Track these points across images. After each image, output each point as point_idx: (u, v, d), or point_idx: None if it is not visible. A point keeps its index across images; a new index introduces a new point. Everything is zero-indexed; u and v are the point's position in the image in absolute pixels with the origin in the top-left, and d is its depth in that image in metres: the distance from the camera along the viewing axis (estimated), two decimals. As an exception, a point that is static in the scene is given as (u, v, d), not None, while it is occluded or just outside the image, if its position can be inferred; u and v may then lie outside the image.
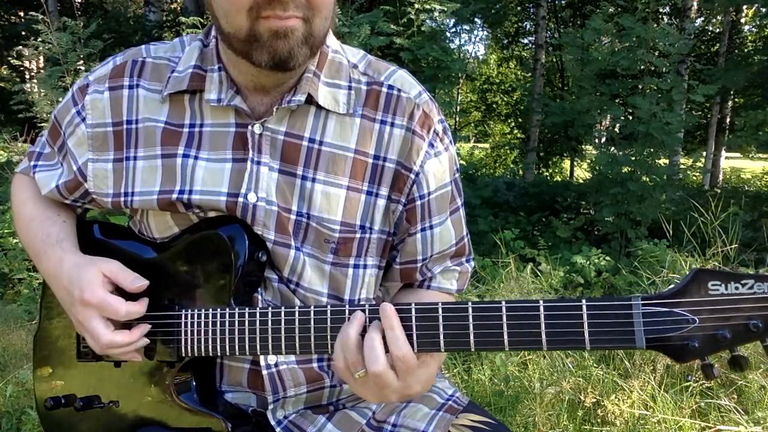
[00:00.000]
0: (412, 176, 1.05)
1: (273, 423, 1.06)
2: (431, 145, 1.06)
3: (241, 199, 1.00)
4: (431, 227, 1.09)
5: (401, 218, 1.07)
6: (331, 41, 1.07)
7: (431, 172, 1.06)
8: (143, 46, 1.10)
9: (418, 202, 1.06)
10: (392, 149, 1.04)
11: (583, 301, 0.79)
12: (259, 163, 1.01)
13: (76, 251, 1.08)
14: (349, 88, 1.04)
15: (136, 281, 1.00)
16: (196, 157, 1.02)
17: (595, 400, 2.63)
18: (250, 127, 1.01)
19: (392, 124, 1.04)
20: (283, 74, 0.96)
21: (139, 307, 0.99)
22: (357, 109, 1.03)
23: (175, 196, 1.01)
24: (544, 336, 0.80)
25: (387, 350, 0.85)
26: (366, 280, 1.08)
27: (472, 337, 0.83)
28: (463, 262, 1.17)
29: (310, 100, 1.01)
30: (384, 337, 0.85)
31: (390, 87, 1.06)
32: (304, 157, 1.01)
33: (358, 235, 1.04)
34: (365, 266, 1.07)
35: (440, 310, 0.85)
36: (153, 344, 1.03)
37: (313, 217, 1.02)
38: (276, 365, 1.05)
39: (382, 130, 1.04)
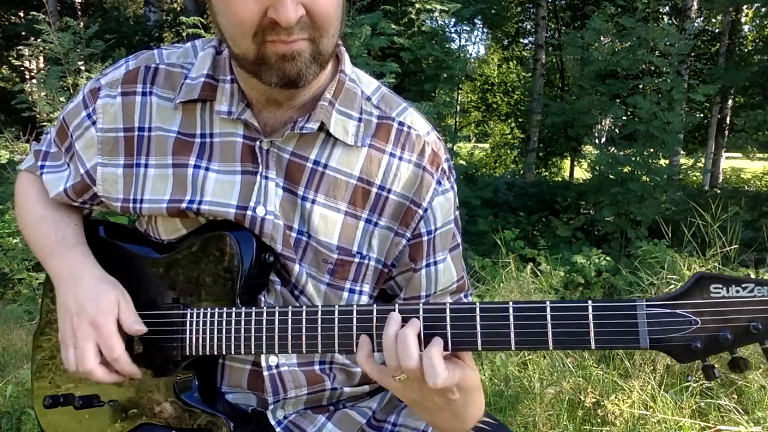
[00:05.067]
0: (421, 212, 1.05)
1: (273, 423, 1.07)
2: (439, 182, 1.07)
3: (249, 213, 1.00)
4: (435, 263, 1.09)
5: (403, 253, 1.07)
6: (348, 68, 1.07)
7: (438, 208, 1.07)
8: (156, 51, 1.10)
9: (425, 238, 1.07)
10: (398, 183, 1.05)
11: (589, 302, 0.81)
12: (266, 177, 1.01)
13: (94, 259, 1.09)
14: (360, 120, 1.04)
15: (134, 325, 1.01)
16: (207, 169, 1.02)
17: (595, 400, 2.64)
18: (258, 143, 1.01)
19: (401, 158, 1.05)
20: (296, 90, 0.96)
21: (128, 365, 1.00)
22: (365, 140, 1.04)
23: (184, 205, 1.01)
24: (550, 336, 0.81)
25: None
26: None
27: (479, 337, 0.84)
28: (461, 299, 1.18)
29: (321, 127, 1.01)
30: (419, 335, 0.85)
31: (401, 123, 1.07)
32: (306, 178, 1.02)
33: (356, 260, 1.04)
34: (360, 292, 1.08)
35: (448, 311, 0.86)
36: (157, 343, 1.04)
37: (312, 237, 1.03)
38: (277, 366, 1.05)
39: (390, 162, 1.04)
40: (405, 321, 0.87)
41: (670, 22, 9.40)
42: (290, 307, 0.94)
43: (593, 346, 0.80)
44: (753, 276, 3.52)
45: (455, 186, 1.12)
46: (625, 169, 5.64)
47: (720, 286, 0.77)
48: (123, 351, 0.99)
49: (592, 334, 0.80)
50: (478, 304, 0.85)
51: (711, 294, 0.77)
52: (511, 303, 0.83)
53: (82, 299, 1.01)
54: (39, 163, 1.17)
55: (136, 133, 1.05)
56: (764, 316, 0.75)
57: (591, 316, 0.80)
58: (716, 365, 0.79)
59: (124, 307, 1.02)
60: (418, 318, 0.86)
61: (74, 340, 1.01)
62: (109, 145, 1.06)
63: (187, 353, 1.01)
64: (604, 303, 0.80)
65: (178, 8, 12.39)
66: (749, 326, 0.75)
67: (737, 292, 0.76)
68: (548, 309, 0.82)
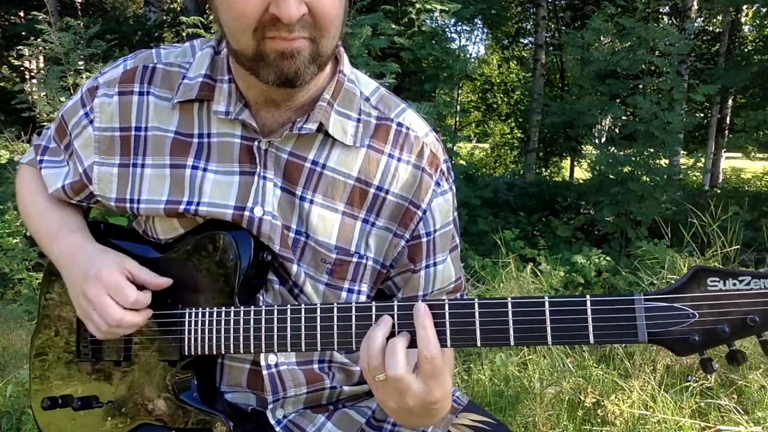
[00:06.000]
0: (420, 213, 1.06)
1: (273, 422, 1.07)
2: (438, 183, 1.07)
3: (247, 213, 1.00)
4: (435, 264, 1.10)
5: (402, 254, 1.08)
6: (347, 68, 1.07)
7: (437, 210, 1.07)
8: (153, 51, 1.10)
9: (424, 239, 1.07)
10: (396, 183, 1.05)
11: (587, 296, 0.81)
12: (264, 178, 1.01)
13: (95, 241, 1.09)
14: (358, 120, 1.04)
15: (158, 278, 1.02)
16: (204, 169, 1.02)
17: (595, 400, 2.63)
18: (256, 143, 1.01)
19: (399, 159, 1.05)
20: (293, 90, 0.96)
21: (147, 298, 1.01)
22: (364, 141, 1.04)
23: (182, 207, 1.02)
24: (549, 331, 0.82)
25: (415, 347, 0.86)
26: None
27: (478, 332, 0.85)
28: (457, 298, 1.18)
29: (320, 128, 1.01)
30: (410, 342, 0.86)
31: (399, 124, 1.07)
32: (304, 178, 1.02)
33: (354, 260, 1.05)
34: (359, 292, 1.08)
35: (447, 307, 0.86)
36: (156, 343, 1.04)
37: (310, 236, 1.03)
38: (276, 365, 1.05)
39: (389, 163, 1.05)
40: (402, 318, 0.87)
41: (670, 22, 9.40)
42: (289, 306, 0.94)
43: (592, 341, 0.80)
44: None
45: (454, 187, 1.12)
46: (625, 169, 5.64)
47: (717, 279, 0.77)
48: (137, 293, 0.99)
49: (590, 328, 0.80)
50: (476, 299, 0.85)
51: (708, 287, 0.78)
52: (509, 298, 0.84)
53: (86, 268, 1.02)
54: (38, 158, 1.18)
55: (133, 132, 1.05)
56: (761, 309, 0.75)
57: (589, 311, 0.80)
58: (714, 360, 0.80)
59: (135, 267, 1.02)
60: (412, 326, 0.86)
61: (91, 304, 1.00)
62: (106, 144, 1.06)
63: (186, 353, 1.01)
64: (603, 297, 0.81)
65: (178, 8, 12.39)
66: (746, 319, 0.76)
67: (734, 285, 0.77)
68: (547, 304, 0.82)
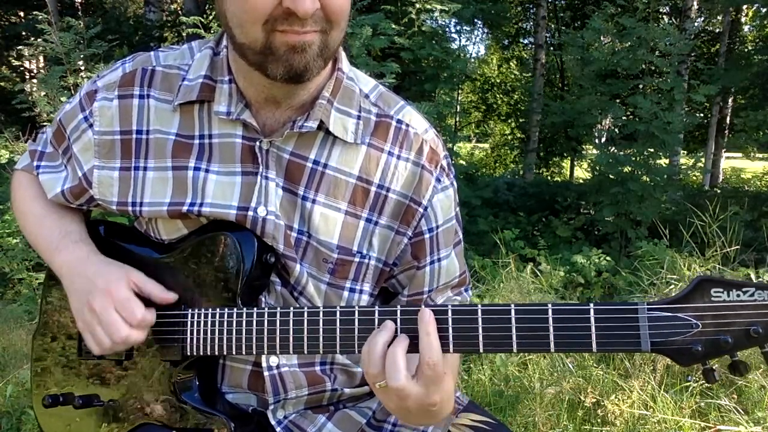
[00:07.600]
0: (421, 210, 1.06)
1: (273, 423, 1.07)
2: (438, 180, 1.08)
3: (251, 213, 1.00)
4: (439, 260, 1.10)
5: (405, 251, 1.08)
6: (346, 66, 1.07)
7: (438, 206, 1.08)
8: (152, 53, 1.10)
9: (427, 236, 1.08)
10: (397, 181, 1.05)
11: (591, 305, 0.81)
12: (267, 178, 1.01)
13: (99, 252, 1.09)
14: (358, 117, 1.05)
15: (165, 293, 1.02)
16: (207, 170, 1.02)
17: (595, 400, 2.64)
18: (258, 143, 1.01)
19: (399, 157, 1.05)
20: (296, 86, 0.97)
21: (152, 317, 1.01)
22: (364, 138, 1.04)
23: (185, 208, 1.02)
24: (552, 339, 0.82)
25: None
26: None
27: (481, 339, 0.85)
28: (462, 292, 1.19)
29: (321, 125, 1.01)
30: (409, 347, 0.86)
31: (399, 121, 1.07)
32: (306, 177, 1.02)
33: (356, 260, 1.05)
34: (361, 291, 1.08)
35: (450, 313, 0.86)
36: (158, 343, 1.04)
37: (312, 236, 1.03)
38: (278, 367, 1.05)
39: (389, 161, 1.05)
40: (405, 323, 0.87)
41: (670, 22, 9.40)
42: (291, 308, 0.94)
43: (594, 349, 0.80)
44: (753, 276, 3.51)
45: (455, 182, 1.12)
46: (625, 169, 5.64)
47: (721, 290, 0.77)
48: (144, 310, 0.99)
49: (593, 337, 0.80)
50: (479, 306, 0.85)
51: (712, 298, 0.77)
52: (513, 305, 0.84)
53: (92, 277, 1.02)
54: (35, 163, 1.17)
55: (134, 136, 1.05)
56: (764, 320, 0.75)
57: (593, 320, 0.80)
58: (715, 367, 0.80)
59: (141, 280, 1.02)
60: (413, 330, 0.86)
61: (97, 317, 1.00)
62: (106, 148, 1.06)
63: (188, 353, 1.02)
64: (606, 306, 0.81)
65: (178, 8, 12.38)
66: (749, 330, 0.76)
67: (738, 296, 0.76)
68: (550, 312, 0.82)
